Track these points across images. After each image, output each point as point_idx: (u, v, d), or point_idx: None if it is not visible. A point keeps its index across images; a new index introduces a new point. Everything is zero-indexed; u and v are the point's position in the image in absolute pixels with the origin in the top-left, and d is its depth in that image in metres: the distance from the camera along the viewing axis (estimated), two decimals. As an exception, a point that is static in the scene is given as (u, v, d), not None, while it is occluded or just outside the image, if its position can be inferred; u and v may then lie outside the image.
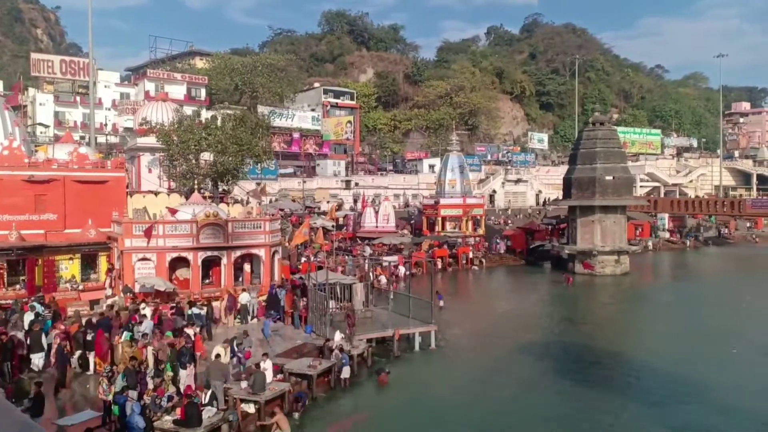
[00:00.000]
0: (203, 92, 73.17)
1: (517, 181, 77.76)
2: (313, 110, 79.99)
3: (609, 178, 43.08)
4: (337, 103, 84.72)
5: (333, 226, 48.17)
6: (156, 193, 32.03)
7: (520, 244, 50.25)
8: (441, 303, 29.94)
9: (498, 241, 50.93)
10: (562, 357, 23.81)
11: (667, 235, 61.58)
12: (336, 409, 18.00)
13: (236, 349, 18.28)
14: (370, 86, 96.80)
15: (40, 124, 59.40)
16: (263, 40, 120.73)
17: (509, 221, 61.67)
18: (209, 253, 25.18)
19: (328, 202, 58.31)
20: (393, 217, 49.75)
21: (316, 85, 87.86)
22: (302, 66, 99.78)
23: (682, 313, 32.38)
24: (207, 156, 35.61)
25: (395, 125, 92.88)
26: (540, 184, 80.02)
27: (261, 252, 26.46)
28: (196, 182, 35.15)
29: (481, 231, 52.06)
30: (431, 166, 74.74)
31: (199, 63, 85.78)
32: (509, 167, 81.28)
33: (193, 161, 35.05)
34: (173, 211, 25.65)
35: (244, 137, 35.19)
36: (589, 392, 19.31)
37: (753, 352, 23.86)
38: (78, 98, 65.05)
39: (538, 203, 76.26)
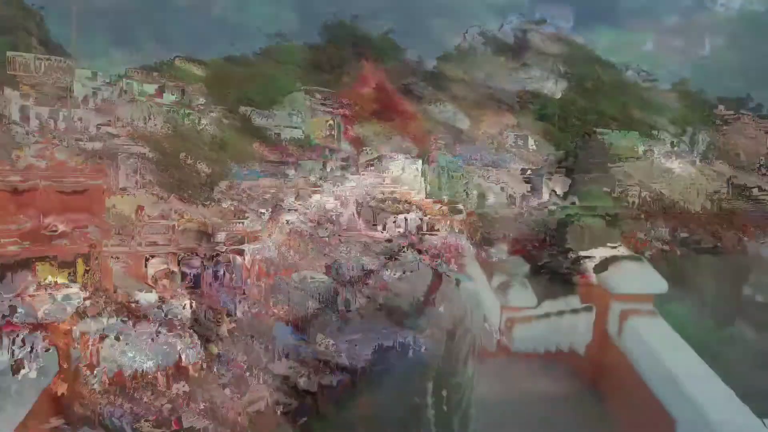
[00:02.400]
0: (195, 98, 72.67)
1: (492, 180, 77.85)
2: (299, 112, 79.92)
3: (599, 185, 43.55)
4: (329, 110, 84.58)
5: (321, 230, 47.43)
6: (134, 194, 31.63)
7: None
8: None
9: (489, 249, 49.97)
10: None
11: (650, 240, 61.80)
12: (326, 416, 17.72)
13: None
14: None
15: (14, 122, 58.59)
16: (260, 46, 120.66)
17: (496, 226, 61.18)
18: (189, 255, 24.68)
19: (297, 197, 57.39)
20: (376, 218, 48.96)
21: (303, 88, 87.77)
22: (299, 75, 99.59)
23: (662, 313, 32.56)
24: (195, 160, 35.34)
25: (389, 137, 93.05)
26: (514, 182, 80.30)
27: (239, 253, 26.08)
28: (189, 191, 34.88)
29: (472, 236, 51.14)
30: (402, 164, 74.69)
31: (189, 66, 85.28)
32: (489, 168, 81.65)
33: (186, 169, 34.82)
34: (142, 210, 25.21)
35: (239, 144, 35.23)
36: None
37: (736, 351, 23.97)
38: (57, 99, 64.22)
39: (509, 201, 76.54)
